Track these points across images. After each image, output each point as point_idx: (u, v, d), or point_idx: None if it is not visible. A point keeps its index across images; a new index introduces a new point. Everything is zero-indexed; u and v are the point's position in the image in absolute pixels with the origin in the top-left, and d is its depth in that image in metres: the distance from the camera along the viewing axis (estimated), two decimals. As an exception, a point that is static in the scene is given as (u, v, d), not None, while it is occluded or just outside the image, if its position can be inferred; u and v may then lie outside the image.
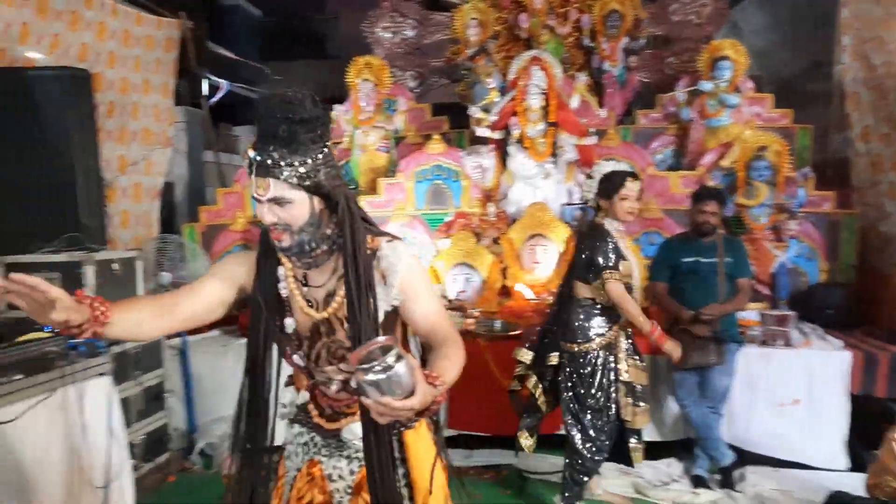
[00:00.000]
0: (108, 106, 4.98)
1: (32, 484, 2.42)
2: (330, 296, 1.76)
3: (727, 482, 4.00)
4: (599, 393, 3.53)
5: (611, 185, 3.48)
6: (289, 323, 1.79)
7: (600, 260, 3.44)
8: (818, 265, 5.30)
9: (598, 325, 3.55)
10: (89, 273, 3.37)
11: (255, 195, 1.63)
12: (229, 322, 5.26)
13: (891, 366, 4.11)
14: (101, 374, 2.87)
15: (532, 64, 5.57)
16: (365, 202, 5.79)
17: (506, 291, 5.42)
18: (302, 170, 1.61)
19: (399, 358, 1.34)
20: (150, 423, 3.96)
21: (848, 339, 4.50)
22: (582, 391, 3.55)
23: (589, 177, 3.68)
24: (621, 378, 3.53)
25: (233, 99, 10.30)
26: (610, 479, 4.00)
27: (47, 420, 2.50)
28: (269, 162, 1.59)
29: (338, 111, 6.54)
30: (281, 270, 1.76)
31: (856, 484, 3.33)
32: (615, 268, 3.42)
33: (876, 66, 5.43)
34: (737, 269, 4.08)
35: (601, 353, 3.55)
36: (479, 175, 5.78)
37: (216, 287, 1.79)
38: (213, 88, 7.43)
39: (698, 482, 4.03)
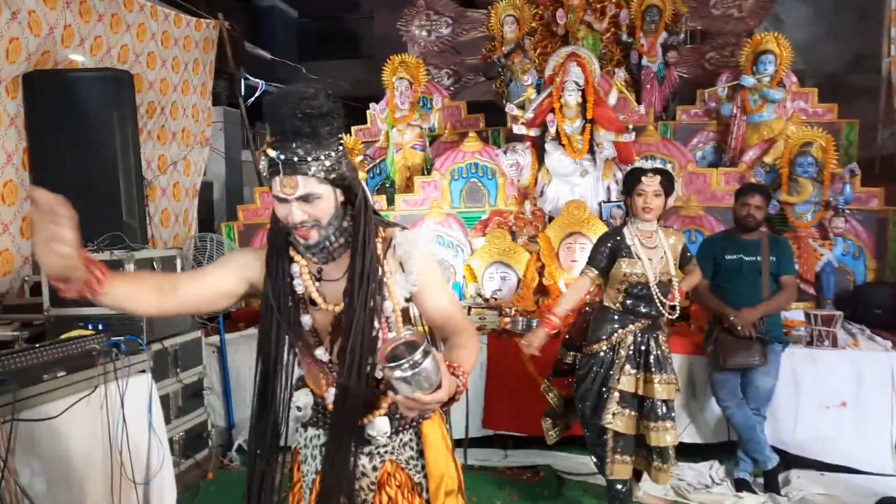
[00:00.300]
0: (148, 106, 5.05)
1: (76, 479, 2.45)
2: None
3: (771, 486, 3.91)
4: (589, 396, 3.46)
5: (629, 181, 3.42)
6: (305, 320, 1.75)
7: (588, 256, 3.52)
8: (865, 263, 5.16)
9: (606, 328, 3.45)
10: (130, 271, 3.40)
11: (281, 194, 1.60)
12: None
13: (943, 368, 3.98)
14: (142, 372, 2.89)
15: (569, 60, 5.51)
16: (401, 200, 5.80)
17: (543, 290, 5.37)
18: (328, 163, 1.61)
19: (426, 354, 1.37)
20: (189, 420, 4.00)
21: (896, 340, 4.36)
22: (579, 392, 3.53)
23: None
24: (610, 384, 3.39)
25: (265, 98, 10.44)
26: (650, 482, 3.93)
27: (90, 417, 2.53)
28: (296, 159, 1.57)
29: (374, 110, 6.58)
30: (295, 267, 1.73)
31: (906, 489, 3.23)
32: (592, 264, 3.46)
33: (925, 58, 5.27)
34: (781, 267, 3.98)
35: (606, 356, 3.44)
36: (515, 173, 5.74)
37: (223, 278, 1.77)
38: (250, 89, 7.49)
39: (741, 485, 3.94)
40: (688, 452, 4.27)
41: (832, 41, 9.81)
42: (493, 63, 7.04)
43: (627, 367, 3.38)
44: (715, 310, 4.00)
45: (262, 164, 1.61)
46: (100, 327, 3.02)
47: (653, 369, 3.37)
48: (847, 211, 5.00)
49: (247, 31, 11.17)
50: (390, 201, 5.91)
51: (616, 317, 3.43)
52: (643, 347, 3.40)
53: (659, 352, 3.41)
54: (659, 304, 3.37)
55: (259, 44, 11.76)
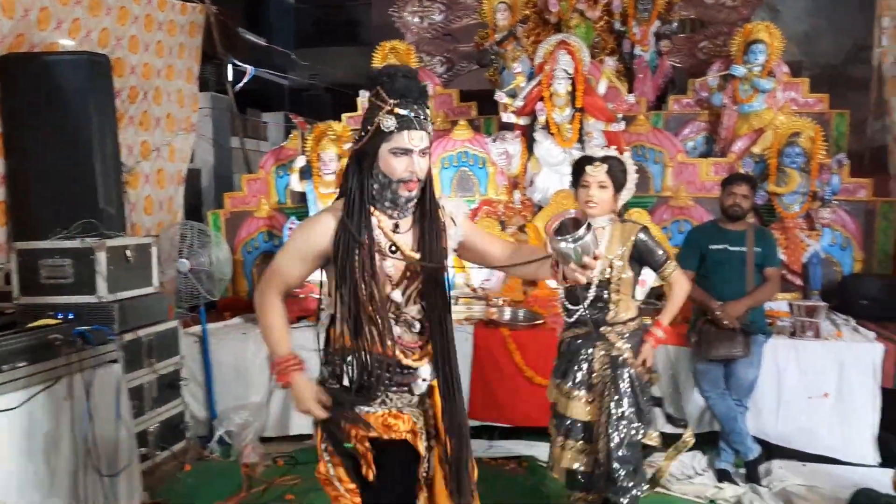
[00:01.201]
0: (131, 91, 4.99)
1: (39, 471, 2.42)
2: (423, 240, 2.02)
3: (752, 476, 3.89)
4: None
5: (575, 171, 3.10)
6: (388, 265, 1.97)
7: None
8: (852, 255, 5.13)
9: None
10: (101, 259, 3.35)
11: (410, 146, 1.87)
12: (251, 309, 5.28)
13: (926, 360, 3.96)
14: (112, 362, 2.86)
15: (559, 48, 5.45)
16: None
17: (532, 280, 5.33)
18: (431, 124, 1.94)
19: (588, 228, 1.73)
20: (165, 410, 3.95)
21: (881, 332, 4.34)
22: None
23: None
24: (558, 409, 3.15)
25: (262, 85, 10.36)
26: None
27: (54, 408, 2.49)
28: (422, 116, 1.89)
29: (363, 97, 6.51)
30: (374, 220, 1.96)
31: (886, 480, 3.21)
32: None
33: (918, 48, 5.22)
34: (766, 259, 3.95)
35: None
36: (504, 162, 5.69)
37: (307, 270, 2.01)
38: (240, 74, 7.43)
39: (723, 476, 3.92)
40: (671, 443, 4.25)
41: (830, 32, 9.74)
42: (485, 51, 6.95)
43: (576, 391, 3.06)
44: (700, 301, 3.96)
45: (389, 122, 1.86)
46: (69, 317, 2.97)
47: (572, 383, 3.06)
48: (835, 202, 4.95)
49: (243, 17, 11.14)
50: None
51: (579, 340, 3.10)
52: (592, 359, 3.06)
53: (624, 379, 2.99)
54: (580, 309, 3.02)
55: (255, 30, 11.72)
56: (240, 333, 4.69)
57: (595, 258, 1.77)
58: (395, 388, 2.01)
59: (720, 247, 3.97)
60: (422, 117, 1.89)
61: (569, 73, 5.37)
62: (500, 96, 5.84)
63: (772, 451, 4.12)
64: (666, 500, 3.74)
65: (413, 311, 2.04)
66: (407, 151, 1.88)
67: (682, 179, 5.51)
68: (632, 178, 3.06)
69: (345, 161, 5.41)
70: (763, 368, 3.99)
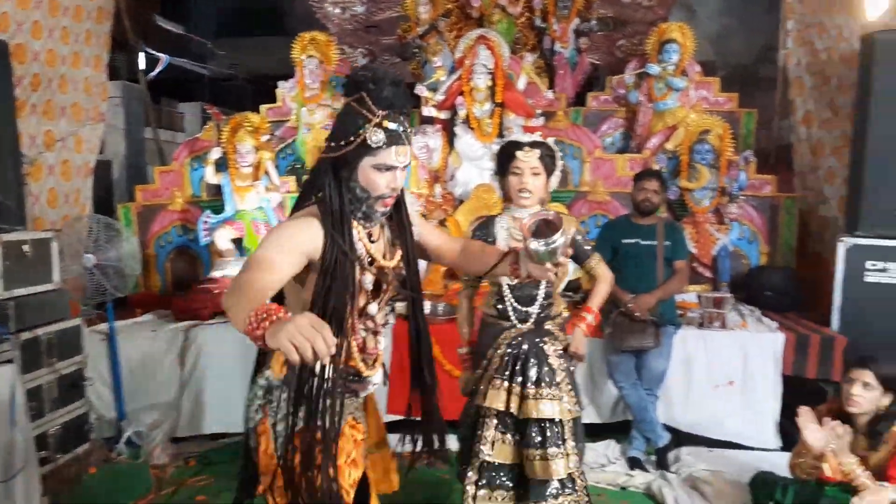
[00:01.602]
0: (33, 79, 4.74)
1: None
2: (391, 247, 2.00)
3: (662, 463, 4.01)
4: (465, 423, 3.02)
5: (502, 158, 2.83)
6: (368, 279, 1.92)
7: None
8: (759, 248, 5.35)
9: (489, 339, 2.96)
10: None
11: (396, 162, 1.80)
12: (164, 306, 5.12)
13: (822, 347, 4.16)
14: (6, 363, 2.71)
15: (478, 43, 5.48)
16: (309, 182, 5.65)
17: (451, 274, 5.34)
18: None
19: (563, 232, 1.80)
20: (67, 412, 3.77)
21: (783, 321, 4.54)
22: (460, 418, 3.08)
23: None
24: (476, 401, 2.91)
25: (180, 75, 10.04)
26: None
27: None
28: (408, 131, 1.83)
29: (283, 88, 6.39)
30: (355, 233, 1.88)
31: (784, 463, 3.33)
32: None
33: (818, 50, 5.46)
34: (675, 252, 4.07)
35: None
36: (425, 155, 5.67)
37: (295, 266, 1.81)
38: (155, 63, 7.18)
39: (634, 464, 4.03)
40: (587, 433, 4.32)
41: (742, 33, 10.10)
42: (408, 44, 6.91)
43: (496, 379, 2.83)
44: (613, 294, 4.04)
45: (377, 137, 1.77)
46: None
47: (531, 383, 2.79)
48: (742, 197, 5.14)
49: (161, 5, 10.77)
50: (299, 183, 5.76)
51: (492, 324, 2.92)
52: (523, 357, 2.83)
53: (544, 363, 2.82)
54: (535, 308, 2.86)
55: (174, 18, 11.36)
56: (149, 331, 4.52)
57: (565, 255, 1.83)
58: (346, 395, 1.97)
59: (632, 241, 4.07)
60: (408, 130, 1.83)
61: (488, 68, 5.41)
62: (421, 90, 5.82)
63: (681, 438, 4.25)
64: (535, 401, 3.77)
65: (380, 318, 2.02)
66: (391, 168, 1.81)
67: (600, 175, 5.62)
68: (559, 163, 2.87)
69: (262, 154, 5.43)
70: (673, 359, 4.11)
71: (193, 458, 4.16)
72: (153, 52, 7.28)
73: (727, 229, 5.16)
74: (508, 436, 2.82)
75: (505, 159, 2.81)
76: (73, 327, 3.85)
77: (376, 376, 2.05)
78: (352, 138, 1.78)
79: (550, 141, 2.87)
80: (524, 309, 2.87)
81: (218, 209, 5.52)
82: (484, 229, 2.94)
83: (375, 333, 2.02)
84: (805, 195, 5.59)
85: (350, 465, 1.99)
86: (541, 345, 2.85)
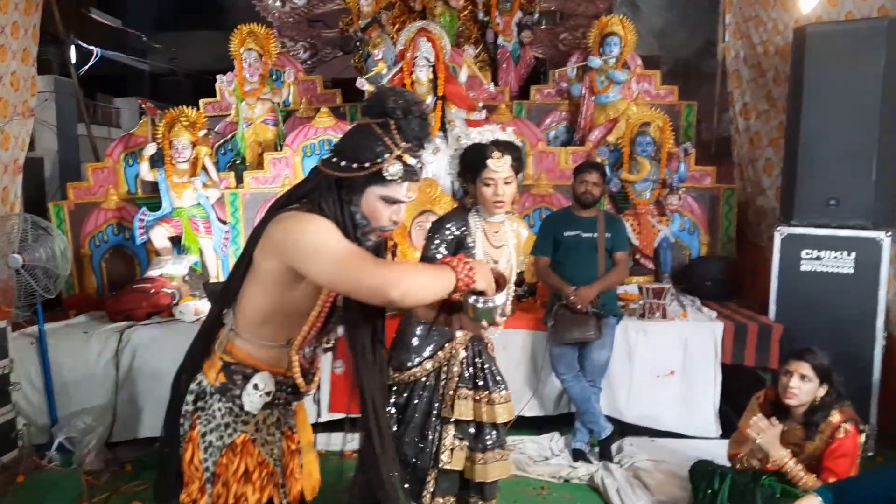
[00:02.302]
0: (-46, 73, 4.55)
1: None
2: None
3: (605, 454, 4.03)
4: (409, 433, 2.74)
5: (470, 163, 2.64)
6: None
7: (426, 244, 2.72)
8: (699, 238, 5.42)
9: (428, 345, 2.75)
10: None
11: (405, 199, 1.73)
12: (100, 307, 4.96)
13: (759, 335, 4.23)
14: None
15: (419, 35, 5.43)
16: (251, 178, 5.55)
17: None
18: None
19: (505, 293, 1.68)
20: (-8, 419, 3.63)
21: (722, 311, 4.60)
22: (397, 429, 2.75)
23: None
24: (441, 414, 2.73)
25: (116, 70, 9.75)
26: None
27: None
28: (423, 167, 1.77)
29: (221, 82, 6.25)
30: None
31: (723, 452, 3.38)
32: (432, 256, 2.65)
33: (755, 43, 5.55)
34: (615, 244, 4.09)
35: (429, 380, 2.77)
36: (367, 150, 5.59)
37: None
38: (88, 56, 6.95)
39: (578, 455, 4.04)
40: (531, 425, 4.35)
41: (684, 27, 10.23)
42: (350, 37, 6.83)
43: (462, 389, 2.73)
44: (554, 286, 4.06)
45: (395, 169, 1.68)
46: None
47: (490, 386, 2.75)
48: (682, 189, 5.20)
49: (99, -1, 10.43)
50: (239, 179, 5.64)
51: (438, 330, 2.67)
52: (476, 360, 2.77)
53: (493, 365, 2.83)
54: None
55: (110, 11, 11.03)
56: (80, 333, 4.36)
57: (503, 315, 1.71)
58: (282, 406, 1.92)
59: (573, 233, 4.08)
60: (423, 166, 1.76)
61: (430, 61, 5.36)
62: (362, 83, 5.74)
63: (624, 429, 4.29)
64: (523, 481, 3.80)
65: (333, 336, 1.94)
66: (398, 202, 1.73)
67: (543, 168, 5.63)
68: (524, 159, 2.78)
69: (199, 149, 5.29)
70: (615, 350, 4.14)
71: (129, 463, 4.03)
72: (87, 45, 7.03)
73: (668, 221, 5.22)
74: (466, 441, 2.76)
75: (473, 167, 2.62)
76: (-2, 330, 3.69)
77: (313, 390, 1.97)
78: (367, 164, 1.68)
79: (511, 136, 2.70)
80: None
81: (154, 206, 5.37)
82: (459, 227, 2.70)
83: (325, 351, 1.95)
84: (744, 186, 5.69)
85: (291, 478, 1.95)
86: (485, 345, 2.84)
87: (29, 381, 4.18)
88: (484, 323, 1.70)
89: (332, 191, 1.71)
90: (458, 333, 2.59)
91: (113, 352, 4.28)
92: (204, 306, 4.51)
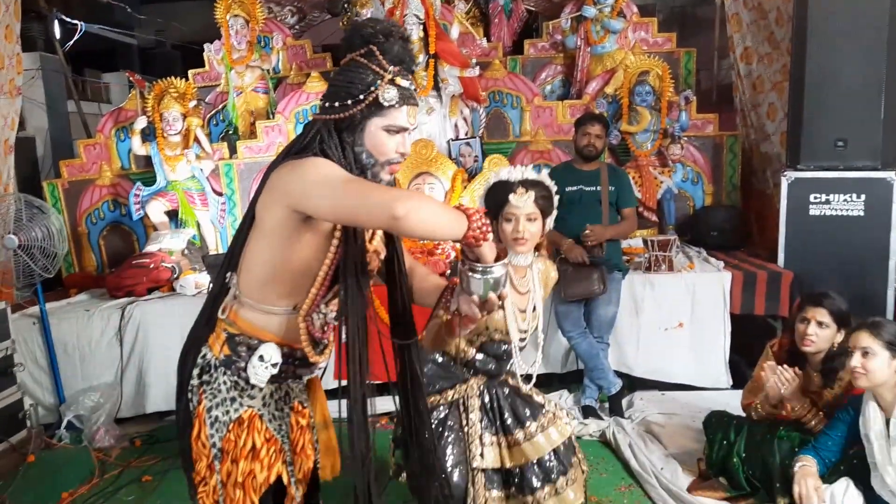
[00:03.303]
0: (-64, 53, 4.44)
1: None
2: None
3: (616, 410, 4.01)
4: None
5: (493, 200, 2.41)
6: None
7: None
8: (703, 188, 5.34)
9: (437, 381, 2.44)
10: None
11: (407, 124, 1.68)
12: (100, 284, 4.91)
13: (769, 284, 4.17)
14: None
15: (408, -8, 5.28)
16: (244, 147, 5.46)
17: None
18: None
19: (504, 264, 1.59)
20: (-2, 401, 3.60)
21: (730, 260, 4.55)
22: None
23: None
24: (471, 464, 2.38)
25: (104, 44, 9.58)
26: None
27: None
28: (415, 90, 1.69)
29: (209, 51, 6.12)
30: None
31: (736, 402, 3.35)
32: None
33: (755, -16, 5.39)
34: (621, 199, 4.02)
35: (441, 413, 2.42)
36: (361, 113, 5.49)
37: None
38: (72, 31, 6.81)
39: (588, 412, 4.01)
40: (539, 384, 4.29)
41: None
42: (336, -1, 6.70)
43: (486, 435, 2.41)
44: (553, 241, 3.98)
45: (390, 94, 1.62)
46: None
47: (523, 422, 2.42)
48: (684, 138, 5.10)
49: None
50: (233, 149, 5.55)
51: (450, 370, 2.43)
52: (497, 403, 2.45)
53: (520, 398, 2.48)
54: (513, 364, 2.42)
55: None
56: (82, 311, 4.32)
57: (500, 297, 1.60)
58: (291, 379, 1.85)
59: (575, 188, 4.00)
60: (415, 91, 1.69)
61: (420, 19, 5.21)
62: (352, 45, 5.60)
63: (634, 383, 4.26)
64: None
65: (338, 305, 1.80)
66: (402, 130, 1.67)
67: (540, 123, 5.52)
68: (556, 199, 2.47)
69: (191, 120, 5.19)
70: (621, 304, 4.09)
71: (138, 438, 4.03)
72: (71, 20, 6.87)
73: (671, 172, 5.13)
74: (494, 491, 2.45)
75: (495, 202, 2.42)
76: (-1, 312, 3.64)
77: (324, 361, 1.87)
78: (361, 97, 1.62)
79: (545, 176, 2.46)
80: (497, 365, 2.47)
81: (149, 181, 5.30)
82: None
83: (336, 318, 1.80)
84: (747, 132, 5.58)
85: (301, 454, 1.88)
86: (506, 381, 2.52)
87: (34, 362, 4.16)
88: (476, 298, 1.59)
89: (332, 136, 1.65)
90: (472, 381, 2.41)
91: (116, 328, 4.24)
92: (204, 279, 4.46)
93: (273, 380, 1.77)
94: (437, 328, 1.85)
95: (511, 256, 2.39)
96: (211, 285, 1.90)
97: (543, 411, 2.47)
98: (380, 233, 1.83)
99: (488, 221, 1.54)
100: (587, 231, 3.87)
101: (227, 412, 1.75)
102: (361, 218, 1.53)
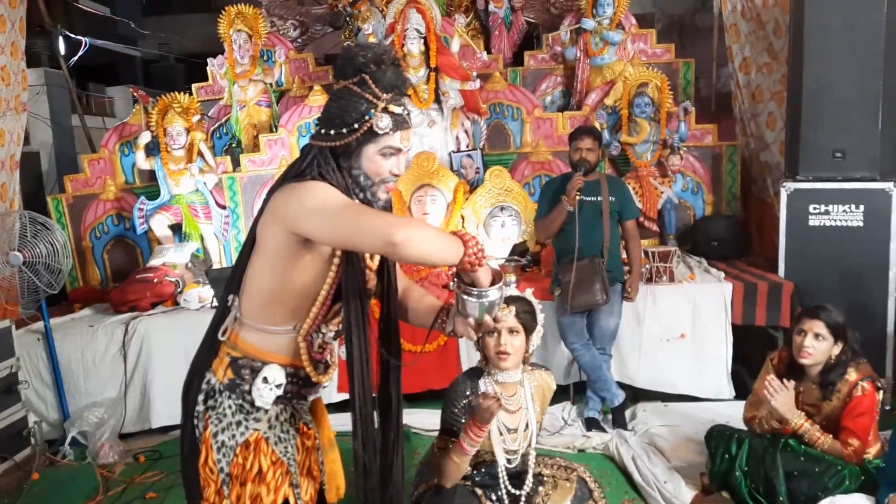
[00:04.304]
0: (-59, 71, 4.48)
1: None
2: None
3: (619, 422, 4.00)
4: None
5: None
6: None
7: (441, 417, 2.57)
8: (703, 198, 5.36)
9: None
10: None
11: (402, 146, 1.73)
12: (105, 299, 4.94)
13: (769, 294, 4.17)
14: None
15: (408, 7, 5.33)
16: (247, 161, 5.50)
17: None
18: None
19: (501, 287, 1.62)
20: (3, 418, 3.61)
21: (730, 270, 4.56)
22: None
23: None
24: None
25: (108, 58, 9.65)
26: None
27: None
28: (410, 113, 1.76)
29: (212, 65, 6.16)
30: None
31: (738, 414, 3.35)
32: (448, 433, 2.49)
33: (753, -5, 5.42)
34: (622, 208, 4.02)
35: None
36: (363, 126, 5.52)
37: None
38: (77, 46, 6.86)
39: (591, 424, 4.01)
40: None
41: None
42: (339, 12, 6.73)
43: None
44: (554, 217, 3.94)
45: (384, 122, 1.67)
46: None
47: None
48: (683, 148, 5.12)
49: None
50: (236, 163, 5.58)
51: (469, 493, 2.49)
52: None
53: (533, 482, 2.57)
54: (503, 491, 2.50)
55: (99, 0, 10.87)
56: (86, 326, 4.34)
57: (495, 320, 1.66)
58: (296, 400, 1.86)
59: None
60: (409, 112, 1.75)
61: (420, 33, 5.27)
62: (354, 59, 5.64)
63: (637, 394, 4.27)
64: (539, 454, 3.77)
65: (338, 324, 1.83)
66: (397, 151, 1.72)
67: (541, 134, 5.56)
68: (540, 317, 2.57)
69: (194, 135, 5.23)
70: (623, 316, 4.09)
71: (143, 453, 4.03)
72: (76, 35, 6.93)
73: (671, 182, 5.15)
74: None
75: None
76: (2, 329, 3.66)
77: (327, 381, 1.89)
78: (356, 125, 1.67)
79: (528, 294, 2.59)
80: (516, 492, 2.53)
81: (153, 195, 5.33)
82: (467, 394, 2.52)
83: (335, 337, 1.84)
84: (746, 142, 5.60)
85: (307, 476, 1.88)
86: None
87: (38, 378, 4.17)
88: (471, 320, 1.65)
89: (329, 161, 1.69)
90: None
91: (120, 344, 4.26)
92: (207, 293, 4.48)
93: (278, 401, 1.79)
94: (445, 460, 1.89)
95: (497, 374, 2.51)
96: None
97: (543, 479, 2.59)
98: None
99: (483, 247, 1.57)
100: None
101: (234, 436, 1.76)
102: (359, 243, 1.58)
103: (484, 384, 2.52)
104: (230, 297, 1.82)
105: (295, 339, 1.76)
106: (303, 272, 1.70)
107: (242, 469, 1.75)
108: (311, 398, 1.93)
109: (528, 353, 2.57)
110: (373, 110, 1.66)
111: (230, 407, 1.77)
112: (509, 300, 2.36)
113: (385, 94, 1.67)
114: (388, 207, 1.79)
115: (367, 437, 1.77)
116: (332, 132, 1.69)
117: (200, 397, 1.80)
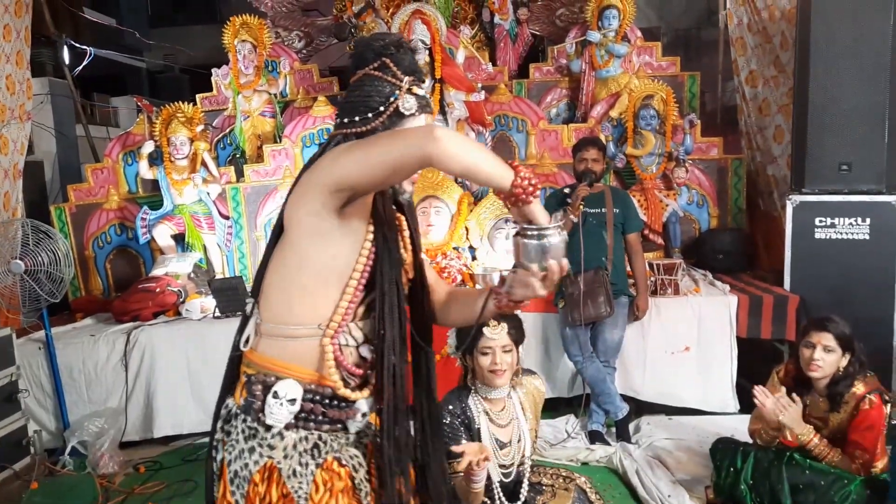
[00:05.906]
0: (-53, 79, 4.49)
1: None
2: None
3: (623, 435, 3.97)
4: None
5: (465, 338, 2.50)
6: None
7: None
8: (709, 211, 5.34)
9: None
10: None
11: None
12: (107, 308, 4.92)
13: (775, 307, 4.14)
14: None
15: (414, 18, 5.35)
16: (251, 171, 5.49)
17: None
18: None
19: (559, 231, 1.45)
20: (3, 426, 3.58)
21: (736, 283, 4.53)
22: None
23: None
24: None
25: (113, 68, 9.69)
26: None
27: None
28: (430, 98, 1.66)
29: (217, 75, 6.17)
30: None
31: (744, 427, 3.32)
32: None
33: (760, 9, 5.42)
34: (626, 220, 4.01)
35: None
36: (367, 137, 5.52)
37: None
38: (82, 56, 6.88)
39: (595, 437, 3.98)
40: (545, 408, 4.26)
41: (685, -2, 10.08)
42: (344, 24, 6.74)
43: None
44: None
45: (410, 103, 1.61)
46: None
47: None
48: (689, 161, 5.11)
49: (92, -2, 10.34)
50: (240, 173, 5.58)
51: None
52: None
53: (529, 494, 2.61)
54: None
55: (105, 10, 10.95)
56: (88, 336, 4.32)
57: (562, 268, 1.47)
58: (327, 427, 1.62)
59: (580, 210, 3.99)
60: (429, 97, 1.69)
61: (426, 44, 5.27)
62: (358, 69, 5.65)
63: (641, 407, 4.23)
64: (540, 464, 3.74)
65: (368, 327, 1.66)
66: None
67: (546, 146, 5.55)
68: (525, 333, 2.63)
69: (198, 144, 5.23)
70: (627, 329, 4.07)
71: (143, 464, 4.00)
72: (81, 45, 6.96)
73: (676, 195, 5.13)
74: None
75: (470, 338, 2.48)
76: (3, 338, 3.64)
77: (362, 402, 1.64)
78: (381, 108, 1.60)
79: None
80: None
81: (156, 205, 5.33)
82: (456, 412, 2.55)
83: (365, 342, 1.65)
84: (752, 155, 5.59)
85: None
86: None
87: (39, 387, 4.15)
88: (535, 267, 1.44)
89: None
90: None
91: (121, 353, 4.23)
92: (209, 303, 4.46)
93: (300, 425, 1.61)
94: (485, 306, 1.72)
95: (487, 391, 2.54)
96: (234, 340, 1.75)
97: (542, 488, 2.62)
98: (408, 244, 1.76)
99: (536, 182, 1.44)
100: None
101: (246, 465, 1.60)
102: (398, 162, 1.44)
103: (474, 403, 2.56)
104: (250, 302, 1.70)
105: (319, 345, 1.59)
106: (333, 251, 1.58)
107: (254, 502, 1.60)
108: (353, 427, 1.66)
109: (518, 366, 2.60)
110: (397, 91, 1.61)
111: (243, 431, 1.61)
112: (500, 316, 2.37)
113: (407, 77, 1.62)
114: (410, 201, 1.75)
115: (398, 434, 1.64)
116: (357, 118, 1.62)
117: (219, 424, 1.67)
